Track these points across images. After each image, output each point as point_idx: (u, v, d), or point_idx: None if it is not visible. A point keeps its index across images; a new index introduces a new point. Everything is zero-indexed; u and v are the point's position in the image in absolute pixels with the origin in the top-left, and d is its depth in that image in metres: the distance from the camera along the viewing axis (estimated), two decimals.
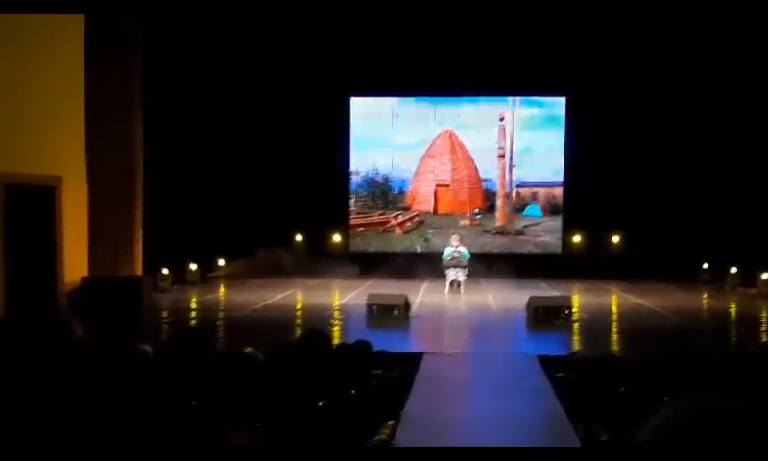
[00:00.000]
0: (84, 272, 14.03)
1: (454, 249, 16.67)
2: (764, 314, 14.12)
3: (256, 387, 3.13)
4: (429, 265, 18.39)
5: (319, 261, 19.86)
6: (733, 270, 17.63)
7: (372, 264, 19.89)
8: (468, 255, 16.68)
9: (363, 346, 5.43)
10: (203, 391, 3.30)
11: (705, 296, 16.73)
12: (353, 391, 4.17)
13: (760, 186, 17.00)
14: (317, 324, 12.14)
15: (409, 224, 21.88)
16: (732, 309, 14.92)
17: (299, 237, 20.99)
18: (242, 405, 2.99)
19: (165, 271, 16.71)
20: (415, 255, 20.86)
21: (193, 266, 18.16)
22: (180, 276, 17.60)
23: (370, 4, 17.36)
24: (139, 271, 15.07)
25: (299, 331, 11.65)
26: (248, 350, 3.47)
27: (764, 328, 12.90)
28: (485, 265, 18.92)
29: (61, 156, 13.60)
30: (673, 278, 17.92)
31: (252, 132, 19.61)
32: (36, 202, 12.99)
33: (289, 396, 2.97)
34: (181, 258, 17.64)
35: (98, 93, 14.31)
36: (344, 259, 20.32)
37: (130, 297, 13.50)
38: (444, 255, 16.75)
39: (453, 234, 17.67)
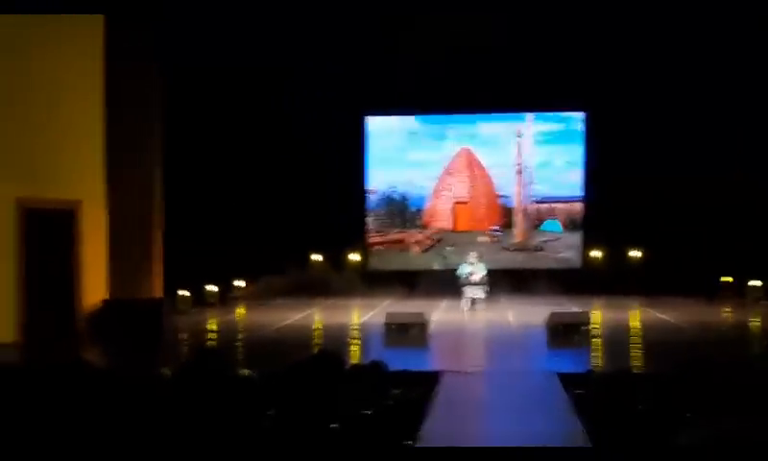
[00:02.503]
0: (104, 295, 14.06)
1: (472, 265, 16.65)
2: None
3: (251, 409, 3.11)
4: (448, 283, 18.33)
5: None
6: (755, 283, 17.45)
7: (390, 283, 19.89)
8: (483, 271, 16.59)
9: (377, 366, 5.39)
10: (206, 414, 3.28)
11: (726, 309, 16.54)
12: (368, 412, 4.14)
13: None
14: (335, 343, 12.14)
15: (427, 242, 21.83)
16: (755, 323, 14.73)
17: (317, 257, 20.98)
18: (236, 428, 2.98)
19: (185, 293, 16.75)
20: (433, 273, 20.79)
21: (212, 287, 18.21)
22: (199, 297, 17.64)
23: (384, 23, 17.39)
24: (159, 293, 15.09)
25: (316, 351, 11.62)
26: (245, 372, 3.46)
27: None
28: (504, 282, 18.84)
29: (80, 179, 13.66)
30: (694, 291, 17.75)
31: (269, 152, 19.65)
32: (56, 226, 13.06)
33: (298, 418, 2.95)
34: (200, 280, 17.70)
35: (117, 115, 14.35)
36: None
37: (149, 320, 13.53)
38: (461, 273, 16.71)
39: (471, 252, 17.64)
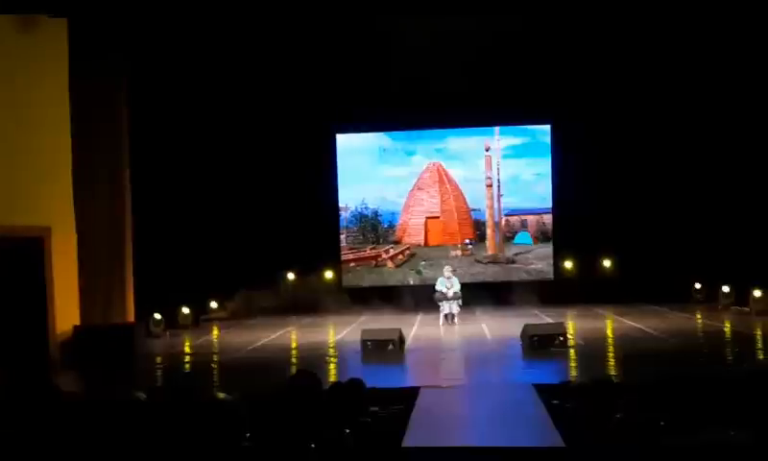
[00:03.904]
0: (76, 321, 13.92)
1: (446, 280, 16.71)
2: (758, 332, 14.10)
3: (229, 433, 3.09)
4: (422, 298, 18.36)
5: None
6: (726, 289, 17.65)
7: (365, 299, 19.88)
8: (458, 285, 16.68)
9: (355, 384, 5.37)
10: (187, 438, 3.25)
11: (699, 316, 16.71)
12: (347, 430, 4.13)
13: (749, 204, 17.04)
14: (312, 362, 12.10)
15: (401, 257, 21.84)
16: (727, 328, 14.90)
17: (290, 275, 20.89)
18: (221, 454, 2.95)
19: (157, 316, 16.61)
20: (408, 288, 20.82)
21: (185, 310, 18.07)
22: (172, 320, 17.49)
23: (352, 41, 17.43)
24: (131, 317, 14.96)
25: (294, 371, 11.56)
26: (221, 395, 3.42)
27: (759, 346, 12.88)
28: (478, 295, 18.91)
29: (49, 206, 13.56)
30: (666, 299, 17.93)
31: (238, 172, 19.58)
32: (26, 253, 12.93)
33: (277, 440, 2.93)
34: (173, 302, 17.55)
35: (84, 141, 14.29)
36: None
37: (121, 345, 13.41)
38: (437, 287, 16.78)
39: (446, 266, 17.69)
